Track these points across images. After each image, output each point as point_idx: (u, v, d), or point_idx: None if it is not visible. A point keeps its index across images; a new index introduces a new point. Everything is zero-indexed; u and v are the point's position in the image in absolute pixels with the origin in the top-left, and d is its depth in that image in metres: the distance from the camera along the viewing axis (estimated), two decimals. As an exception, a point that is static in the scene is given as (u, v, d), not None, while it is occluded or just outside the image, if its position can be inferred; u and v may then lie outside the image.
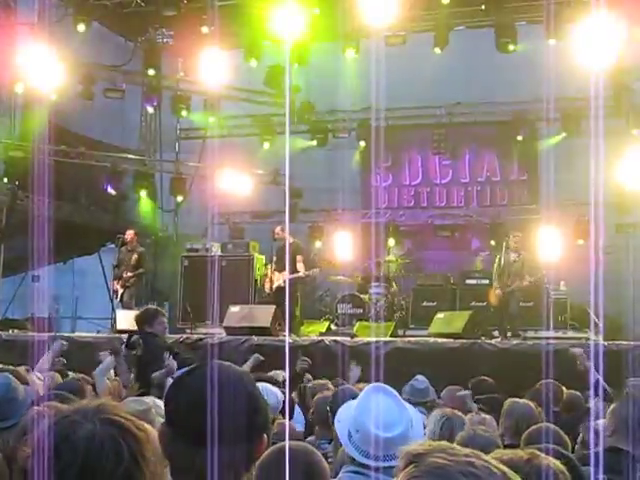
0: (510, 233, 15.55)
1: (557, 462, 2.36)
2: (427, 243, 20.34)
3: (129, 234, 16.50)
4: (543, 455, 2.38)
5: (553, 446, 3.68)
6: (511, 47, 17.09)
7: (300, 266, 15.01)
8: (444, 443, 1.70)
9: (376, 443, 3.18)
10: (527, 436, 4.77)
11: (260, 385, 5.68)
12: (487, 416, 5.83)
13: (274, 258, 16.11)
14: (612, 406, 4.93)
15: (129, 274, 16.07)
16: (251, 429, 2.06)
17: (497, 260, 15.24)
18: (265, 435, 2.14)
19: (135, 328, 9.16)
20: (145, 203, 20.19)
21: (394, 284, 17.50)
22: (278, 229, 15.85)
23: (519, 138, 19.14)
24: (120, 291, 16.09)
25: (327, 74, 18.07)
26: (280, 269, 15.19)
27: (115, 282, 16.36)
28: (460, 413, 5.25)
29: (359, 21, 16.85)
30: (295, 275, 14.75)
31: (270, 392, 5.42)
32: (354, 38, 17.68)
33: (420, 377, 8.20)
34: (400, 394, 7.85)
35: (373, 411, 3.28)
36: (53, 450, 1.96)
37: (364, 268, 18.30)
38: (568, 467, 2.76)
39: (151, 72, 19.15)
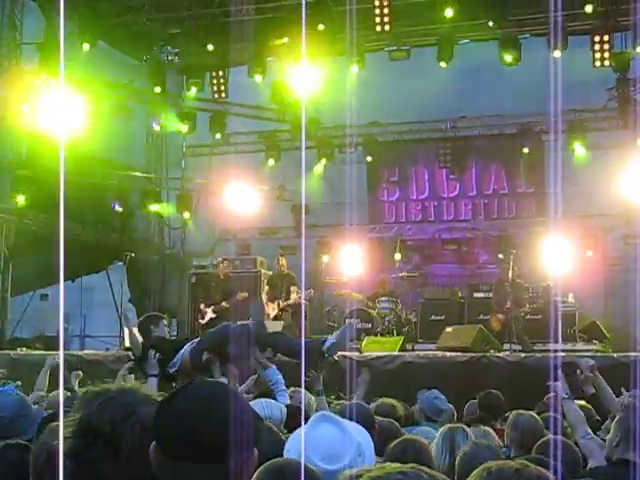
0: (510, 263, 15.51)
1: (548, 472, 2.34)
2: (435, 257, 20.31)
3: (223, 268, 16.44)
4: (533, 466, 2.36)
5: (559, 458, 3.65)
6: (514, 60, 17.14)
7: (294, 296, 15.85)
8: (387, 464, 1.85)
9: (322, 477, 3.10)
10: (538, 448, 4.75)
11: (263, 400, 5.70)
12: (488, 428, 5.80)
13: (266, 288, 16.36)
14: (617, 417, 4.91)
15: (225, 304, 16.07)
16: (239, 444, 2.06)
17: (494, 289, 15.36)
18: (255, 450, 2.14)
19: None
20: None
21: (399, 300, 17.45)
22: (283, 261, 16.58)
23: (525, 150, 19.13)
24: (211, 316, 15.99)
25: (333, 89, 18.09)
26: (272, 299, 15.68)
27: (203, 304, 16.25)
28: (465, 426, 5.23)
29: (363, 36, 16.94)
30: (288, 302, 15.45)
31: (274, 406, 5.42)
32: (359, 53, 17.74)
33: (441, 395, 7.79)
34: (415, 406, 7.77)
35: (318, 443, 3.22)
36: (111, 431, 2.07)
37: (372, 283, 18.30)
38: None
39: (156, 90, 19.23)
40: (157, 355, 7.87)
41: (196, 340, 8.70)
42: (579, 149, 18.44)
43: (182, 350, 8.47)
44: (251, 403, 5.37)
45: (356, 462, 3.19)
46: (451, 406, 8.13)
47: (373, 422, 5.17)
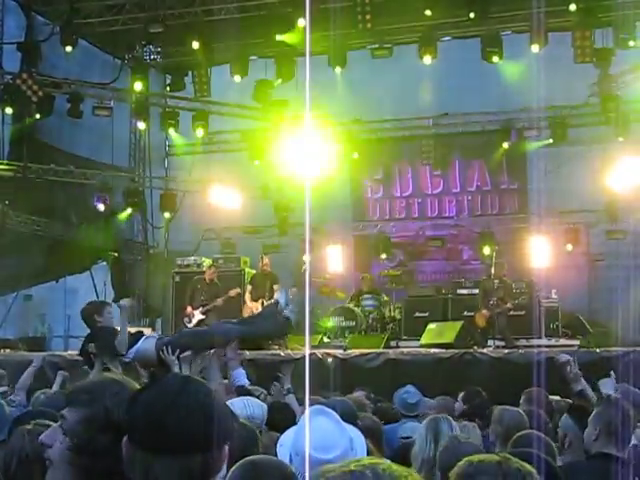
0: (492, 260, 15.53)
1: (527, 465, 2.36)
2: (419, 254, 20.35)
3: (210, 272, 16.46)
4: (514, 459, 2.39)
5: (536, 452, 3.66)
6: (497, 57, 17.17)
7: (277, 294, 15.70)
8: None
9: (314, 466, 3.12)
10: (514, 442, 4.76)
11: (244, 398, 5.70)
12: (469, 423, 5.81)
13: (249, 287, 16.34)
14: (594, 411, 4.92)
15: (219, 301, 16.06)
16: (207, 440, 2.07)
17: (480, 286, 15.41)
18: (225, 446, 2.14)
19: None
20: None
21: (384, 296, 17.46)
22: (266, 260, 16.47)
23: (507, 147, 19.16)
24: (200, 317, 15.96)
25: (315, 87, 18.07)
26: (256, 298, 15.67)
27: (190, 307, 16.15)
28: (449, 417, 5.24)
29: (345, 34, 16.94)
30: (271, 301, 15.47)
31: (255, 404, 5.40)
32: (341, 51, 17.75)
33: (412, 389, 7.90)
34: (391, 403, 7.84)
35: (311, 434, 3.26)
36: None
37: (356, 280, 18.33)
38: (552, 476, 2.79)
39: (139, 89, 19.17)
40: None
41: (155, 335, 8.68)
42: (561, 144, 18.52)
43: (139, 343, 8.40)
44: (232, 401, 5.38)
45: (348, 454, 3.22)
46: (432, 401, 8.16)
47: (356, 419, 5.17)
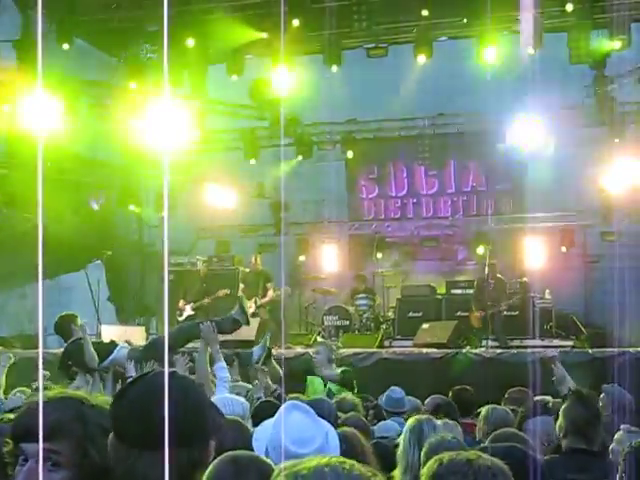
0: (487, 260, 15.53)
1: (499, 462, 2.35)
2: (413, 254, 20.34)
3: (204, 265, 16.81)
4: (486, 456, 2.37)
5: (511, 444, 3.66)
6: (493, 57, 17.14)
7: (270, 293, 16.07)
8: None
9: (292, 459, 3.10)
10: (491, 439, 4.77)
11: (226, 396, 5.71)
12: (450, 421, 5.81)
13: (241, 286, 16.40)
14: (562, 407, 4.96)
15: (206, 300, 16.30)
16: (192, 435, 2.07)
17: (475, 286, 15.43)
18: (211, 442, 2.15)
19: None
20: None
21: (378, 295, 17.49)
22: (258, 259, 16.78)
23: (501, 147, 19.12)
24: (189, 313, 16.18)
25: (311, 87, 18.09)
26: (248, 297, 15.74)
27: (183, 302, 16.40)
28: (432, 418, 5.23)
29: (341, 33, 16.94)
30: (264, 300, 15.54)
31: (235, 402, 5.41)
32: (337, 50, 17.73)
33: (396, 388, 8.20)
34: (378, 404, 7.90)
35: (288, 428, 3.27)
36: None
37: (351, 280, 18.34)
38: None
39: (135, 87, 19.14)
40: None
41: (127, 346, 8.85)
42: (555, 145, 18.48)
43: (114, 353, 8.56)
44: (214, 399, 5.39)
45: (324, 449, 3.22)
46: (418, 401, 8.22)
47: (336, 419, 5.18)
